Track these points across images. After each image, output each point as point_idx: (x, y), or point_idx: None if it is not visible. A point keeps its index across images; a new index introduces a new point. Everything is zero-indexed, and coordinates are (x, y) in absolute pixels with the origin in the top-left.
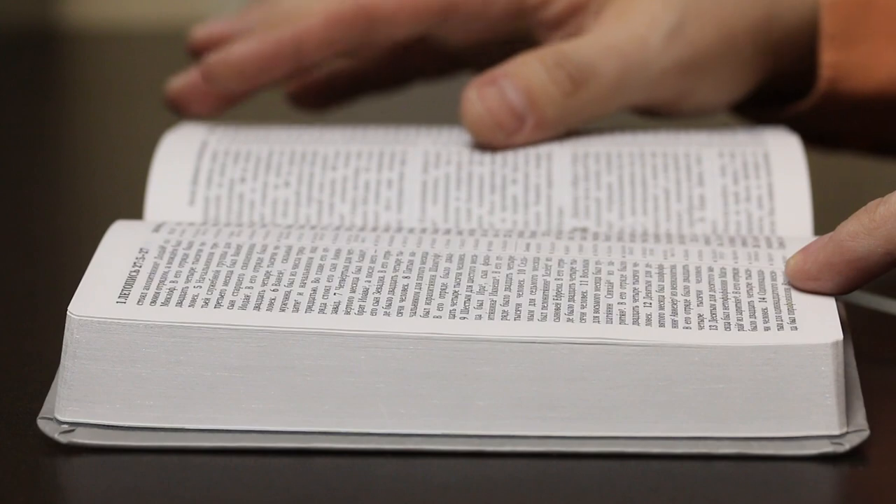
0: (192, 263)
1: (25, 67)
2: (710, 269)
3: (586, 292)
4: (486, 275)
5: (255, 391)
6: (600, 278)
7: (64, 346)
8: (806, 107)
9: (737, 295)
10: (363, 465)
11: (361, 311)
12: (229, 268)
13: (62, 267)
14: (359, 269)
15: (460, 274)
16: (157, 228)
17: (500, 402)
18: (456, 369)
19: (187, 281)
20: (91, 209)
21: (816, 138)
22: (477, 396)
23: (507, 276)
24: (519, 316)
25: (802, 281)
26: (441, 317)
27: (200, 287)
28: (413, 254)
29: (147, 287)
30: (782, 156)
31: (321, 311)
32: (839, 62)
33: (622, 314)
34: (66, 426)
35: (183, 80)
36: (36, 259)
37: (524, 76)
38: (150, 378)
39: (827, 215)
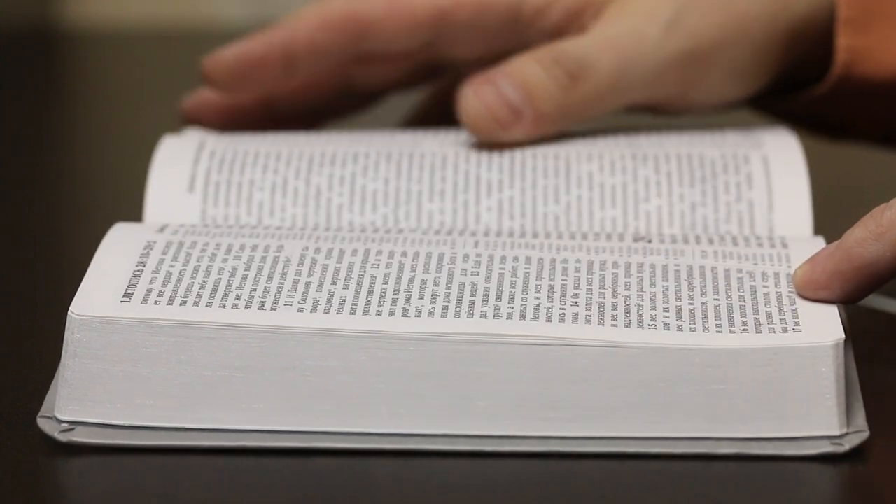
0: (196, 262)
1: (25, 67)
2: (714, 270)
3: (590, 297)
4: (489, 277)
5: (255, 391)
6: (605, 277)
7: (64, 345)
8: (821, 91)
9: (741, 294)
10: (363, 466)
11: (366, 310)
12: (233, 267)
13: (62, 267)
14: (362, 269)
15: (464, 271)
16: (162, 229)
17: (501, 403)
18: (456, 370)
19: (192, 277)
20: (91, 209)
21: (826, 127)
22: (477, 397)
23: (510, 277)
24: (524, 316)
25: (812, 291)
26: (446, 316)
27: (204, 286)
28: (416, 254)
29: (152, 283)
30: (782, 158)
31: (325, 311)
32: (854, 46)
33: (627, 316)
34: (65, 425)
35: (195, 96)
36: (36, 259)
37: (521, 73)
38: (150, 378)
39: (827, 214)
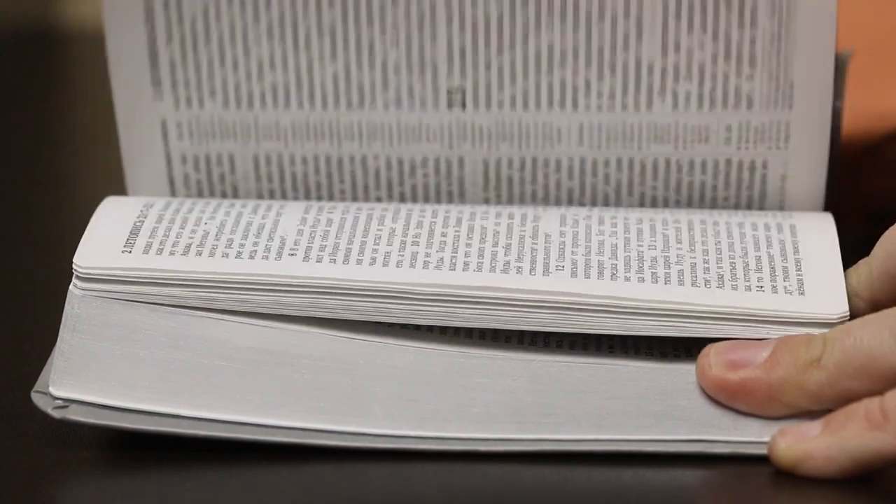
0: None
1: (25, 67)
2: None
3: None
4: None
5: (251, 383)
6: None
7: (63, 320)
8: None
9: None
10: (360, 469)
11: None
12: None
13: (63, 266)
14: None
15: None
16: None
17: (496, 411)
18: (453, 379)
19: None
20: (91, 209)
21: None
22: (472, 404)
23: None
24: (522, 340)
25: None
26: (445, 333)
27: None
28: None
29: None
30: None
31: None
32: None
33: (624, 346)
34: (60, 402)
35: None
36: (36, 259)
37: None
38: (147, 359)
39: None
